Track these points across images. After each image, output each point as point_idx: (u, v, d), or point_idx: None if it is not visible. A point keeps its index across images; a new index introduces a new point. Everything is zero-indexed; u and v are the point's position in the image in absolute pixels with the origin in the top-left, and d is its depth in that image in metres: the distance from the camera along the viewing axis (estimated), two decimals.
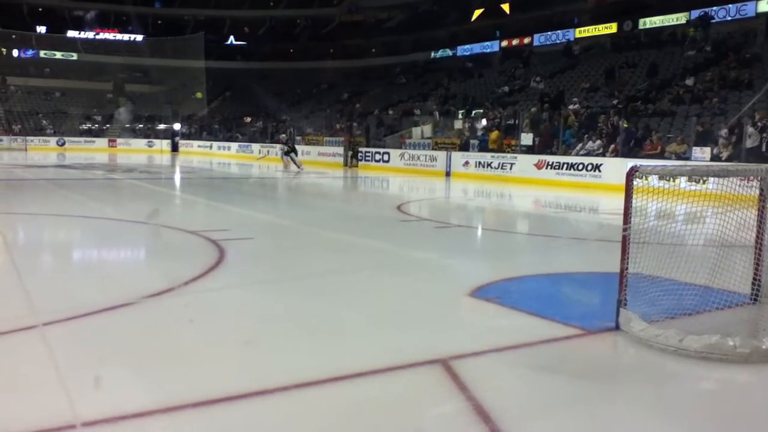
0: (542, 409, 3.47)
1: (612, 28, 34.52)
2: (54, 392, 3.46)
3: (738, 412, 3.55)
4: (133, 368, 3.89)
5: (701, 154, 17.29)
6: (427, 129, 28.99)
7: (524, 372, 4.01)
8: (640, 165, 5.05)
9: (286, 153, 26.27)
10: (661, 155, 17.86)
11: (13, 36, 51.40)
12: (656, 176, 5.24)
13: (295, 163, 25.58)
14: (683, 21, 31.34)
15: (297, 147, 28.46)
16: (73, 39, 53.31)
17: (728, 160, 16.26)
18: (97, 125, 47.62)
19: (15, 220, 10.22)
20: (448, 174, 22.76)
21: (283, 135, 31.68)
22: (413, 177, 23.02)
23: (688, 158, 17.26)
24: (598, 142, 19.83)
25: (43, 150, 39.96)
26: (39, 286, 5.96)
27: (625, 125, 19.88)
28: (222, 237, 8.32)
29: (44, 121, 46.10)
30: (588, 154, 19.66)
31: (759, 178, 5.29)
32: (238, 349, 4.27)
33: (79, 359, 3.98)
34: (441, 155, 23.95)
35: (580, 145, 20.17)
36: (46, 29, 52.68)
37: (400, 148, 27.30)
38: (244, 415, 3.28)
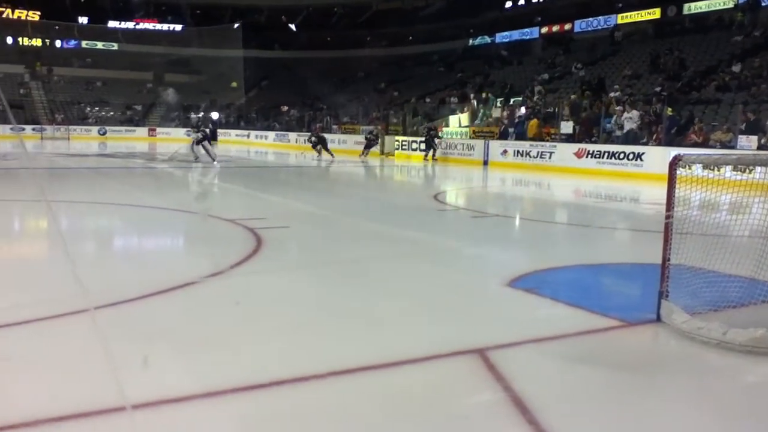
0: (580, 401, 3.42)
1: (655, 13, 33.73)
2: (104, 375, 3.52)
3: None
4: (178, 352, 3.94)
5: (747, 142, 16.84)
6: (465, 117, 28.78)
7: (562, 363, 3.96)
8: (684, 154, 4.92)
9: (315, 145, 26.40)
10: (705, 144, 17.45)
11: (56, 27, 52.42)
12: (700, 165, 5.11)
13: (328, 152, 25.76)
14: (730, 5, 30.47)
15: (328, 136, 28.76)
16: (114, 29, 54.14)
17: None
18: (137, 116, 48.35)
19: (62, 208, 10.43)
20: (485, 163, 22.59)
21: (319, 124, 31.80)
22: (450, 166, 22.90)
23: (733, 147, 16.84)
24: (634, 112, 19.40)
25: (85, 139, 40.74)
26: (88, 271, 6.08)
27: (669, 113, 19.46)
28: (259, 225, 8.38)
29: (88, 109, 46.97)
30: (628, 134, 19.26)
31: None
32: (276, 337, 4.30)
33: (128, 343, 4.05)
34: (479, 144, 23.77)
35: (620, 125, 19.76)
36: (88, 20, 53.59)
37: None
38: (285, 401, 3.31)
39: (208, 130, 22.63)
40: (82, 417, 3.02)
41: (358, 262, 6.85)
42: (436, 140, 25.03)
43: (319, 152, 26.21)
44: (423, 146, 25.30)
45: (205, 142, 21.37)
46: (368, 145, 27.08)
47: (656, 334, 4.53)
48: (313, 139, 26.86)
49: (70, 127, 42.50)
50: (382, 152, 28.29)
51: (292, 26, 54.76)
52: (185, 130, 25.73)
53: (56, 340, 4.12)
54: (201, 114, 27.87)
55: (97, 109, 47.64)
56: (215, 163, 20.72)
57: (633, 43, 32.63)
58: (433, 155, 24.68)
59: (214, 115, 47.25)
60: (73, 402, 3.17)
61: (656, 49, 29.15)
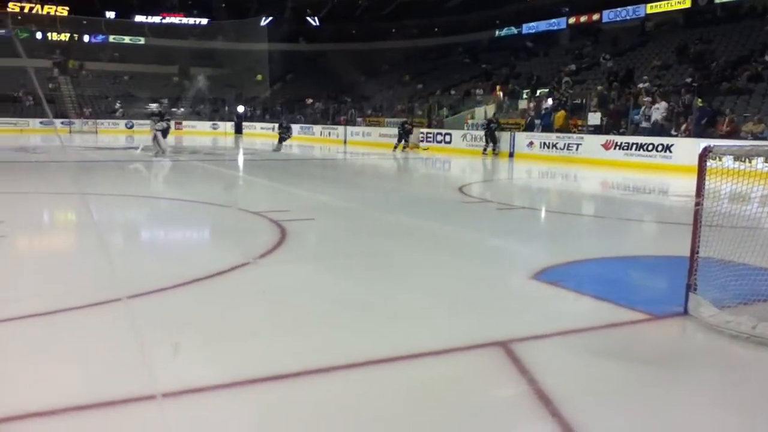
0: (605, 395, 3.38)
1: (686, 2, 33.08)
2: (136, 364, 3.58)
3: None
4: (202, 343, 3.98)
5: None
6: (491, 109, 28.59)
7: (587, 357, 3.92)
8: (714, 145, 4.83)
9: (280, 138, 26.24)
10: (736, 135, 17.13)
11: (84, 22, 53.09)
12: (731, 157, 5.01)
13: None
14: None
15: (354, 129, 28.78)
16: (141, 24, 54.65)
17: None
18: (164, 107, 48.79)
19: (92, 201, 10.57)
20: (511, 155, 22.43)
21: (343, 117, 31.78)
22: (476, 158, 22.79)
23: (765, 138, 16.51)
24: (663, 103, 19.10)
25: (112, 132, 41.21)
26: (119, 262, 6.18)
27: (700, 104, 19.13)
28: (284, 218, 8.41)
29: (117, 104, 47.50)
30: (654, 125, 18.98)
31: None
32: (298, 329, 4.31)
33: (158, 332, 4.11)
34: (504, 136, 23.61)
35: (648, 116, 19.47)
36: (115, 15, 54.16)
37: (463, 128, 27.02)
38: (307, 393, 3.32)
39: (167, 123, 21.60)
40: (113, 405, 3.06)
41: (380, 254, 6.84)
42: (410, 135, 26.83)
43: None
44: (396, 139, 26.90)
45: (160, 134, 20.38)
46: (401, 138, 26.76)
47: (683, 328, 4.46)
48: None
49: (98, 120, 43.03)
50: (405, 145, 28.24)
51: (316, 19, 54.78)
52: (148, 121, 24.49)
53: (89, 330, 4.18)
54: (165, 102, 26.08)
55: (124, 103, 48.13)
56: (164, 157, 19.26)
57: (662, 33, 32.12)
58: (405, 146, 26.44)
59: (240, 109, 47.55)
60: (104, 390, 3.21)
61: (685, 39, 28.67)
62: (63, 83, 48.59)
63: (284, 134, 25.97)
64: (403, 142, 26.62)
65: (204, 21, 55.67)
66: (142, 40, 54.50)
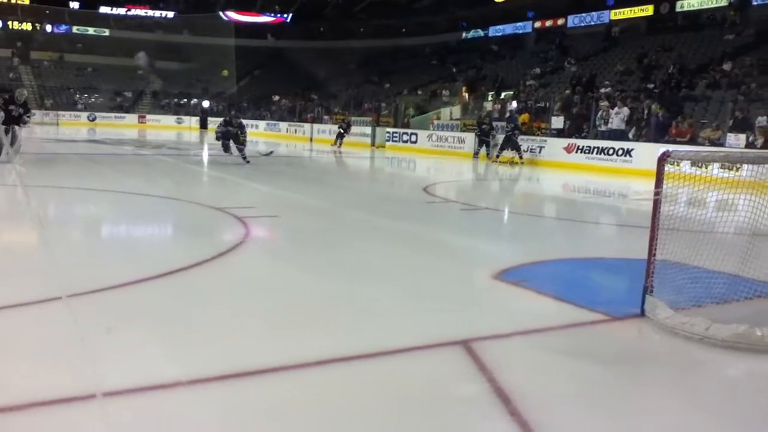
0: (564, 394, 3.44)
1: (648, 10, 33.76)
2: (94, 360, 3.52)
3: (764, 402, 3.49)
4: (164, 340, 3.93)
5: (736, 140, 16.94)
6: (456, 110, 28.78)
7: (547, 356, 3.98)
8: (672, 150, 4.95)
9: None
10: (693, 141, 17.54)
11: (47, 11, 51.94)
12: (688, 162, 5.13)
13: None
14: (723, 3, 30.55)
15: (320, 127, 28.54)
16: (105, 15, 53.69)
17: (763, 147, 15.91)
18: (127, 101, 48.05)
19: (46, 194, 10.37)
20: (476, 155, 22.59)
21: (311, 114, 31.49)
22: (441, 158, 22.90)
23: (722, 145, 16.93)
24: (624, 109, 19.45)
25: (74, 125, 40.45)
26: (68, 258, 6.07)
27: (658, 110, 19.55)
28: (247, 214, 8.36)
29: (77, 96, 46.62)
30: (615, 130, 19.32)
31: None
32: (258, 326, 4.30)
33: (103, 330, 4.04)
34: (469, 137, 23.77)
35: (609, 120, 19.79)
36: (79, 5, 53.13)
37: (428, 129, 27.15)
38: (270, 390, 3.32)
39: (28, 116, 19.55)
40: (71, 401, 3.02)
41: (344, 252, 6.85)
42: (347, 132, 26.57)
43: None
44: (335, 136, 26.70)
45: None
46: (340, 135, 26.45)
47: (640, 329, 4.56)
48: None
49: (60, 112, 42.18)
50: (373, 144, 28.26)
51: (287, 16, 54.48)
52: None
53: (29, 329, 4.10)
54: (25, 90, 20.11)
55: (86, 96, 47.25)
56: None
57: (626, 39, 32.69)
58: (339, 145, 26.07)
59: (205, 104, 47.07)
60: (51, 387, 3.16)
61: (647, 45, 29.22)
62: (24, 73, 47.50)
63: (226, 135, 16.75)
64: (339, 140, 26.35)
65: (170, 14, 54.95)
66: (106, 32, 53.52)
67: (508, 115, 23.03)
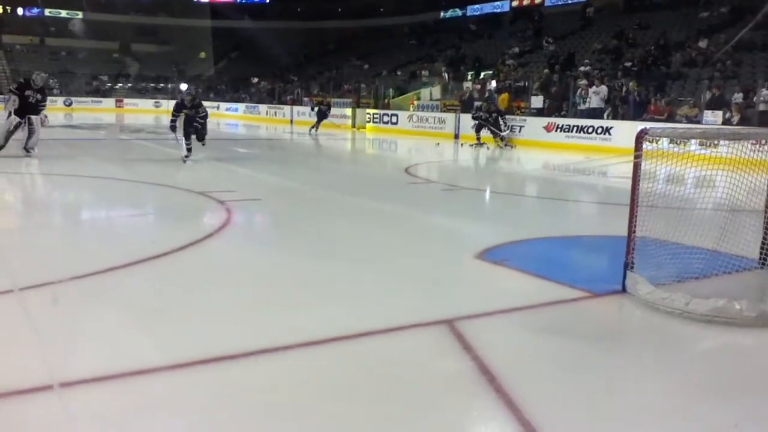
0: (547, 370, 3.50)
1: None
2: (40, 351, 3.51)
3: (742, 375, 3.57)
4: (146, 325, 3.93)
5: (713, 117, 17.11)
6: (436, 91, 28.72)
7: (530, 333, 4.03)
8: (650, 128, 5.00)
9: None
10: (671, 119, 17.69)
11: None
12: (666, 139, 5.19)
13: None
14: None
15: (300, 109, 27.57)
16: None
17: (740, 124, 16.08)
18: (106, 86, 47.37)
19: (23, 180, 10.25)
20: (456, 136, 22.60)
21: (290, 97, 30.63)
22: (422, 139, 22.90)
23: (699, 122, 17.09)
24: (603, 87, 19.53)
25: (50, 110, 39.69)
26: (46, 245, 6.02)
27: (635, 88, 19.67)
28: (229, 198, 8.33)
29: (51, 80, 45.86)
30: (594, 109, 19.42)
31: None
32: (242, 309, 4.30)
33: (99, 314, 4.03)
34: (450, 117, 23.76)
35: (588, 99, 19.88)
36: None
37: (408, 110, 27.09)
38: (248, 373, 3.33)
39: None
40: (37, 391, 3.01)
41: (326, 234, 6.86)
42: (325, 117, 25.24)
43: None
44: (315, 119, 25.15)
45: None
46: (320, 118, 24.83)
47: (621, 305, 4.63)
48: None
49: None
50: (353, 125, 28.16)
51: None
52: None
53: (11, 313, 4.08)
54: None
55: (61, 80, 46.48)
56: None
57: (603, 17, 32.71)
58: (316, 129, 24.59)
59: (183, 87, 46.54)
60: (29, 375, 3.16)
61: (624, 23, 29.28)
62: None
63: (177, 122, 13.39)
64: (317, 124, 24.80)
65: None
66: (79, 15, 52.55)
67: (487, 95, 23.04)
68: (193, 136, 12.84)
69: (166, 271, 5.21)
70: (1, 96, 39.14)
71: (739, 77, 19.22)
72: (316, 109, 25.95)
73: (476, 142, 20.02)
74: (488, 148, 19.27)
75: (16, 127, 12.34)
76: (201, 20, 51.20)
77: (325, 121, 25.15)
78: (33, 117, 12.52)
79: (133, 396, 3.03)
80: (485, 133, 20.06)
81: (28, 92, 12.47)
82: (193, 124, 12.68)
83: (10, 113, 12.37)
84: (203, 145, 13.24)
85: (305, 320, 4.08)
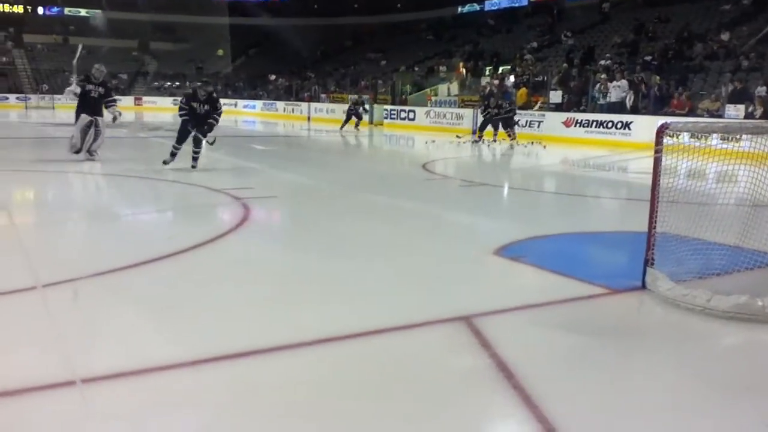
0: (566, 367, 3.46)
1: None
2: (98, 340, 3.53)
3: (764, 373, 3.51)
4: (163, 321, 3.95)
5: (735, 111, 16.87)
6: (454, 87, 28.62)
7: (548, 330, 4.00)
8: (671, 122, 4.93)
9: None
10: (692, 113, 17.48)
11: None
12: (687, 134, 5.11)
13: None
14: None
15: (317, 105, 27.19)
16: None
17: (763, 117, 15.85)
18: (123, 83, 47.74)
19: (44, 178, 10.35)
20: (474, 132, 22.50)
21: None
22: (439, 135, 22.82)
23: (721, 116, 16.87)
24: (623, 81, 19.35)
25: (70, 108, 40.04)
26: (66, 243, 6.07)
27: (657, 81, 19.45)
28: (246, 195, 8.35)
29: (72, 78, 46.29)
30: (613, 104, 19.23)
31: None
32: (259, 306, 4.31)
33: (100, 313, 4.05)
34: (467, 113, 23.67)
35: (608, 94, 19.70)
36: None
37: (426, 105, 27.01)
38: (270, 369, 3.33)
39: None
40: (57, 387, 3.03)
41: (344, 231, 6.85)
42: (361, 110, 25.05)
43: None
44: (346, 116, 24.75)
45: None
46: (352, 116, 24.33)
47: (641, 302, 4.57)
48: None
49: (55, 96, 41.88)
50: (370, 121, 28.13)
51: None
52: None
53: (33, 311, 4.11)
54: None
55: (82, 78, 46.88)
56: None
57: (623, 11, 32.39)
58: (357, 125, 24.40)
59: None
60: (48, 372, 3.17)
61: (644, 17, 28.97)
62: (17, 57, 47.13)
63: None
64: (356, 120, 24.54)
65: None
66: (99, 13, 53.02)
67: (493, 90, 22.90)
68: (192, 136, 10.85)
69: (182, 269, 5.22)
70: (22, 95, 39.72)
71: (763, 70, 18.93)
72: (354, 109, 25.01)
73: (476, 137, 19.84)
74: (488, 145, 19.08)
75: (89, 126, 11.70)
76: (219, 18, 51.46)
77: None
78: (99, 119, 11.83)
79: (150, 393, 3.04)
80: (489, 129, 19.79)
81: (89, 87, 11.70)
82: (203, 124, 10.74)
83: (77, 115, 11.84)
84: (211, 144, 11.28)
85: (321, 317, 4.07)
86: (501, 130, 19.41)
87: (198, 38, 52.08)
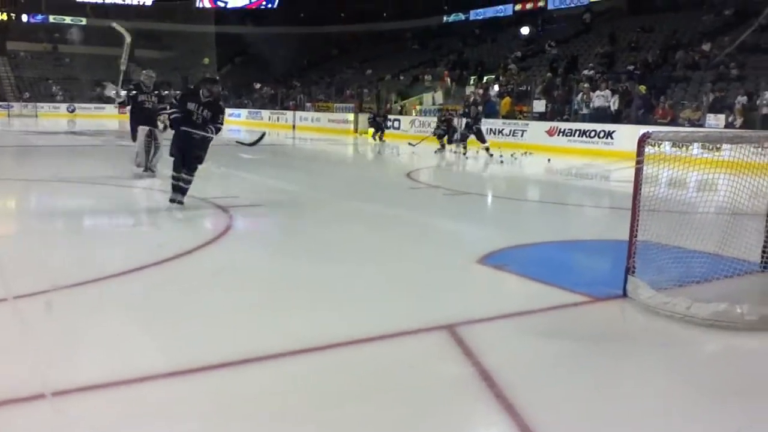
0: (548, 376, 3.49)
1: None
2: (74, 351, 3.50)
3: (744, 379, 3.55)
4: (148, 330, 3.93)
5: (715, 121, 17.09)
6: (439, 96, 28.74)
7: (531, 338, 4.02)
8: (652, 131, 4.99)
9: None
10: (674, 122, 17.67)
11: (22, 0, 51.08)
12: (668, 143, 5.18)
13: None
14: None
15: (302, 114, 26.81)
16: (82, 3, 52.81)
17: (743, 127, 16.06)
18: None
19: (27, 187, 10.27)
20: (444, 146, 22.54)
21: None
22: (424, 144, 22.86)
23: (702, 125, 17.07)
24: (607, 91, 19.54)
25: (53, 116, 39.94)
26: (50, 252, 6.03)
27: (642, 91, 19.65)
28: (231, 203, 8.33)
29: (54, 87, 46.01)
30: (598, 110, 19.39)
31: None
32: (246, 313, 4.30)
33: (84, 322, 4.03)
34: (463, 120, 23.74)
35: (591, 102, 19.88)
36: None
37: (411, 114, 27.08)
38: (245, 379, 3.32)
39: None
40: (37, 399, 3.01)
41: (328, 239, 6.85)
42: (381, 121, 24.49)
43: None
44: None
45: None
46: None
47: (623, 310, 4.61)
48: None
49: (38, 104, 41.61)
50: (355, 130, 28.18)
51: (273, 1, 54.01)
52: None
53: (14, 321, 4.08)
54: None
55: (65, 86, 46.63)
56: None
57: (606, 20, 32.69)
58: (381, 136, 23.93)
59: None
60: (31, 381, 3.15)
61: (628, 26, 29.25)
62: (0, 64, 46.77)
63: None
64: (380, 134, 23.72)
65: (149, 2, 54.24)
66: (83, 21, 52.72)
67: (488, 100, 23.00)
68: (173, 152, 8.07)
69: (166, 277, 5.20)
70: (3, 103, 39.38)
71: (743, 80, 19.18)
72: (371, 119, 24.46)
73: (439, 145, 19.66)
74: (455, 152, 19.04)
75: (149, 137, 10.85)
76: (204, 26, 51.31)
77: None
78: (156, 130, 10.79)
79: (128, 404, 3.02)
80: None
81: (142, 97, 10.85)
82: (192, 135, 7.83)
83: (133, 129, 11.03)
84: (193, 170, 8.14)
85: (303, 326, 4.07)
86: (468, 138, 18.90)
87: (183, 46, 51.88)
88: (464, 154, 18.49)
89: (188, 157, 7.96)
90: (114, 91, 11.31)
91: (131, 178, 10.75)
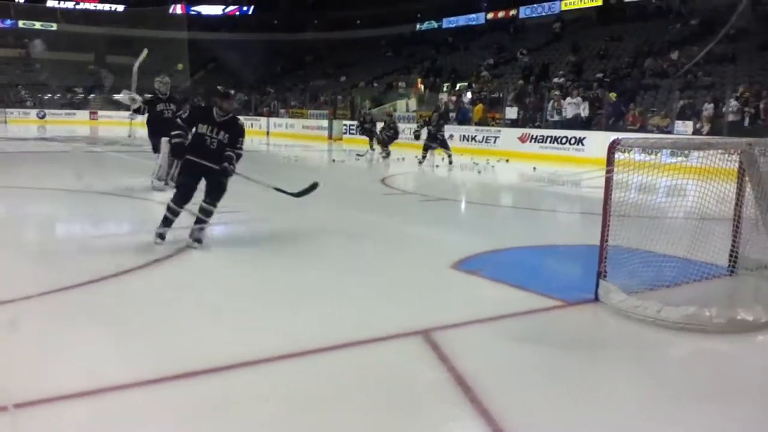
0: (522, 379, 3.52)
1: (598, 0, 34.26)
2: (48, 360, 3.46)
3: (714, 381, 3.62)
4: (116, 341, 3.89)
5: (684, 127, 17.39)
6: (413, 102, 28.86)
7: (505, 343, 4.06)
8: (622, 138, 5.08)
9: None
10: (643, 129, 17.96)
11: None
12: (638, 149, 5.27)
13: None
14: None
15: (276, 121, 26.50)
16: (53, 9, 52.22)
17: (710, 134, 16.36)
18: (79, 97, 46.88)
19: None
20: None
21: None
22: (398, 150, 22.92)
23: (670, 132, 17.37)
24: (578, 98, 19.76)
25: (23, 122, 39.32)
26: (16, 260, 5.94)
27: (613, 99, 19.93)
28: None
29: (23, 92, 45.34)
30: (574, 118, 19.60)
31: (739, 151, 5.33)
32: (219, 322, 4.28)
33: (50, 331, 3.98)
34: (425, 128, 23.82)
35: (563, 109, 20.08)
36: None
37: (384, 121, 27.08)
38: (221, 387, 3.31)
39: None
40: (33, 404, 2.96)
41: (304, 245, 6.85)
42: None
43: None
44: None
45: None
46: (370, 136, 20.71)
47: (595, 314, 4.67)
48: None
49: (7, 110, 40.93)
50: (330, 136, 28.17)
51: (248, 8, 53.83)
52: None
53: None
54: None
55: (34, 92, 45.93)
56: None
57: (577, 29, 33.14)
58: (373, 144, 21.90)
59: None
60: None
61: (598, 35, 29.68)
62: None
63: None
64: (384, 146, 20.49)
65: (120, 8, 53.73)
66: (54, 26, 52.05)
67: (460, 107, 23.09)
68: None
69: (139, 285, 5.15)
70: None
71: (710, 88, 19.55)
72: (360, 128, 22.24)
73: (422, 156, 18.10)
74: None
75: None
76: (177, 32, 50.92)
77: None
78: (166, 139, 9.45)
79: (106, 413, 2.99)
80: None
81: (160, 107, 10.11)
82: (211, 167, 6.54)
83: (153, 141, 10.24)
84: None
85: (274, 333, 4.06)
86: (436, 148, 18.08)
87: (156, 52, 51.34)
88: (420, 163, 17.66)
89: (210, 184, 6.62)
90: (129, 96, 10.55)
91: (149, 191, 10.27)
